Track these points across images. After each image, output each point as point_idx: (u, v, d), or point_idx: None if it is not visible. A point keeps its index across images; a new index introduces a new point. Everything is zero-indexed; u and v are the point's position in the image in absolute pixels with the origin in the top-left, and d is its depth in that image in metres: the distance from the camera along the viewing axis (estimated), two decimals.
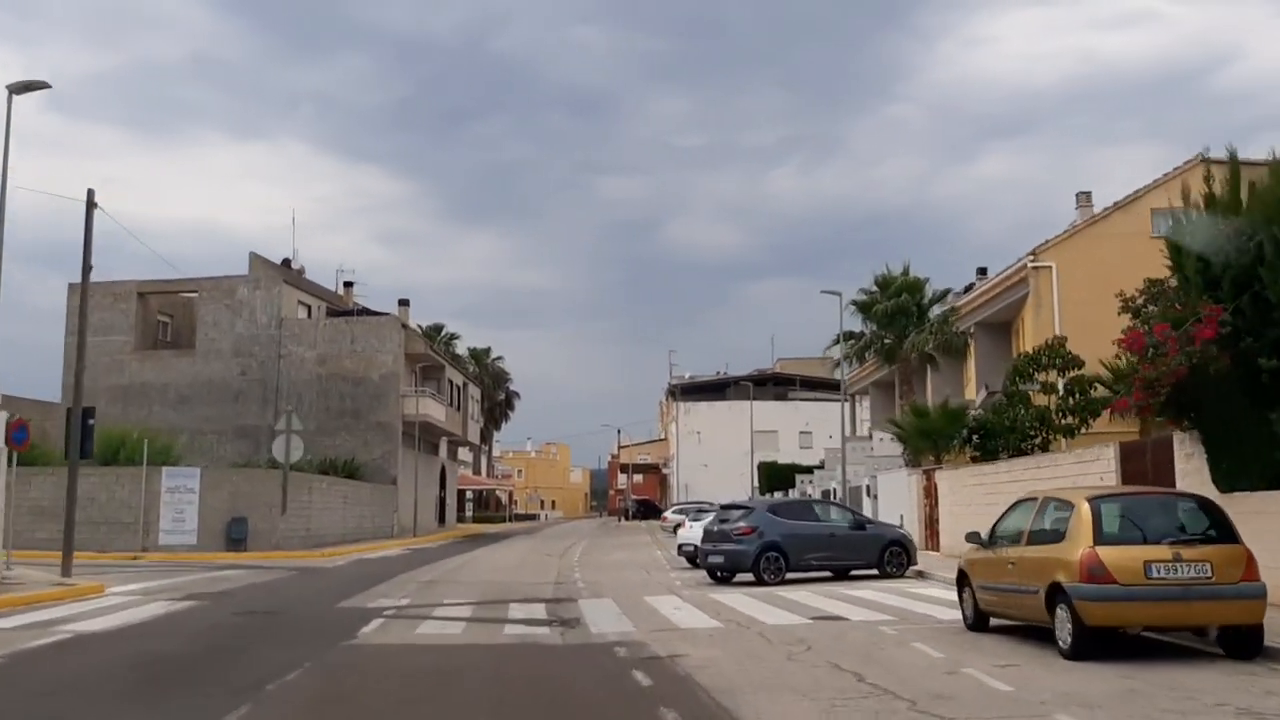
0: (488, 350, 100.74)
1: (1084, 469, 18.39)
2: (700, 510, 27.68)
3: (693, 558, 25.16)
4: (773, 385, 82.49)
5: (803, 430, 76.85)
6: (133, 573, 23.70)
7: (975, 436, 30.05)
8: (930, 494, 28.62)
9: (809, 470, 55.26)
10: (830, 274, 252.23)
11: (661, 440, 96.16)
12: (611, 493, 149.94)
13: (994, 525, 11.48)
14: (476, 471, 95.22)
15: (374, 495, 45.58)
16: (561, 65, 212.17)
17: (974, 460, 29.91)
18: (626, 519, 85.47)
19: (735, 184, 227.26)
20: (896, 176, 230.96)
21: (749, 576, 19.96)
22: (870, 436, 51.32)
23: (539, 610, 15.95)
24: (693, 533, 25.10)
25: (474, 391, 65.90)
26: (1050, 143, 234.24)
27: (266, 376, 50.00)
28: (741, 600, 16.65)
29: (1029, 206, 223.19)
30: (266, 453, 47.36)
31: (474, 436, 66.31)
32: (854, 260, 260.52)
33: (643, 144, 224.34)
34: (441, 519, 60.30)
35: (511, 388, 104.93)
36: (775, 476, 59.75)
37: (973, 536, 11.60)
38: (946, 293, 34.01)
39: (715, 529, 20.17)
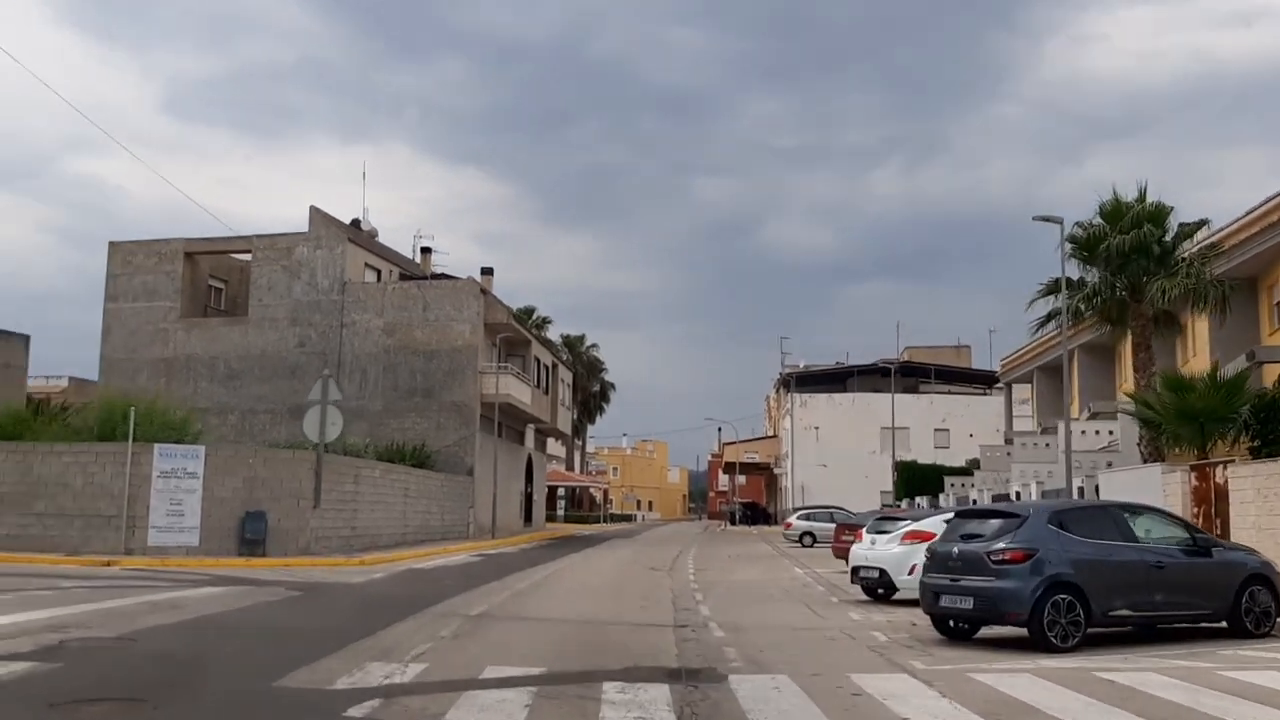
0: (581, 338, 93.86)
1: None
2: (890, 519, 19.24)
3: (874, 588, 16.97)
4: (901, 376, 73.42)
5: (938, 428, 67.69)
6: (85, 587, 16.45)
7: (1257, 420, 21.28)
8: (1204, 500, 19.90)
9: (964, 472, 46.35)
10: (934, 278, 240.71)
11: (771, 438, 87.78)
12: (712, 495, 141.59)
13: None
14: (569, 467, 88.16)
15: (446, 488, 38.28)
16: (657, 67, 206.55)
17: (1252, 454, 21.16)
18: (732, 524, 77.32)
19: (833, 185, 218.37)
20: (1002, 178, 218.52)
21: (1000, 630, 11.80)
22: (1040, 430, 42.36)
23: (659, 705, 8.03)
24: (878, 551, 16.87)
25: (564, 375, 58.41)
26: (1160, 144, 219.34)
27: (327, 348, 43.17)
28: (1069, 701, 8.45)
29: None
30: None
31: (565, 425, 58.86)
32: (958, 264, 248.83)
33: (737, 145, 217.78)
34: (528, 517, 52.94)
35: (607, 378, 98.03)
36: (917, 479, 50.94)
37: None
38: (1201, 224, 25.02)
39: (954, 551, 11.87)
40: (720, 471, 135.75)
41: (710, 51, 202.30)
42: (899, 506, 50.65)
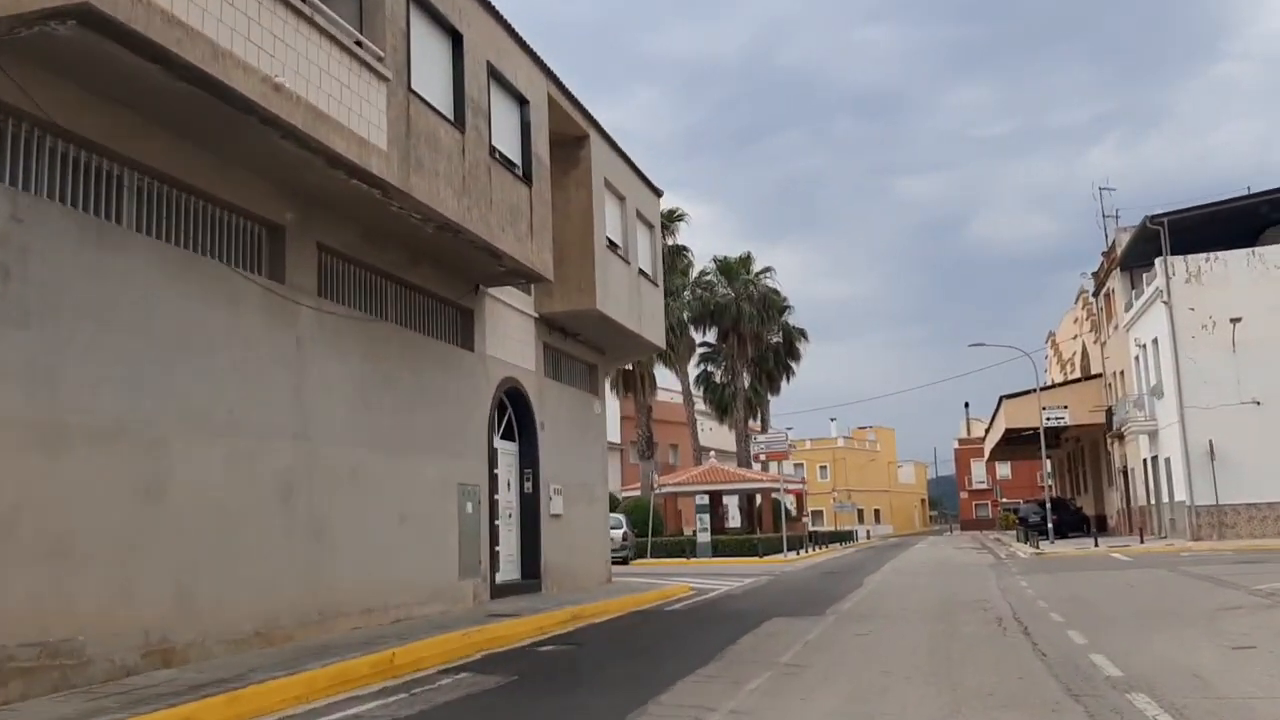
0: (746, 259, 59.65)
1: None
2: None
3: None
4: None
5: None
6: None
7: None
8: None
9: None
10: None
11: (1087, 380, 49.60)
12: (963, 496, 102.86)
13: None
14: (743, 463, 53.18)
15: None
16: (850, 70, 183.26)
17: None
18: (1040, 535, 40.05)
19: (1045, 170, 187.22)
20: (1233, 142, 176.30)
21: None
22: None
23: None
24: None
25: (630, 188, 23.08)
26: None
27: None
28: None
29: None
30: None
31: (654, 336, 23.43)
32: None
33: (940, 139, 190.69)
34: (528, 568, 18.58)
35: (793, 323, 63.13)
36: None
37: None
38: None
39: None
40: (970, 462, 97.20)
41: (902, 47, 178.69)
42: None
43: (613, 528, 36.89)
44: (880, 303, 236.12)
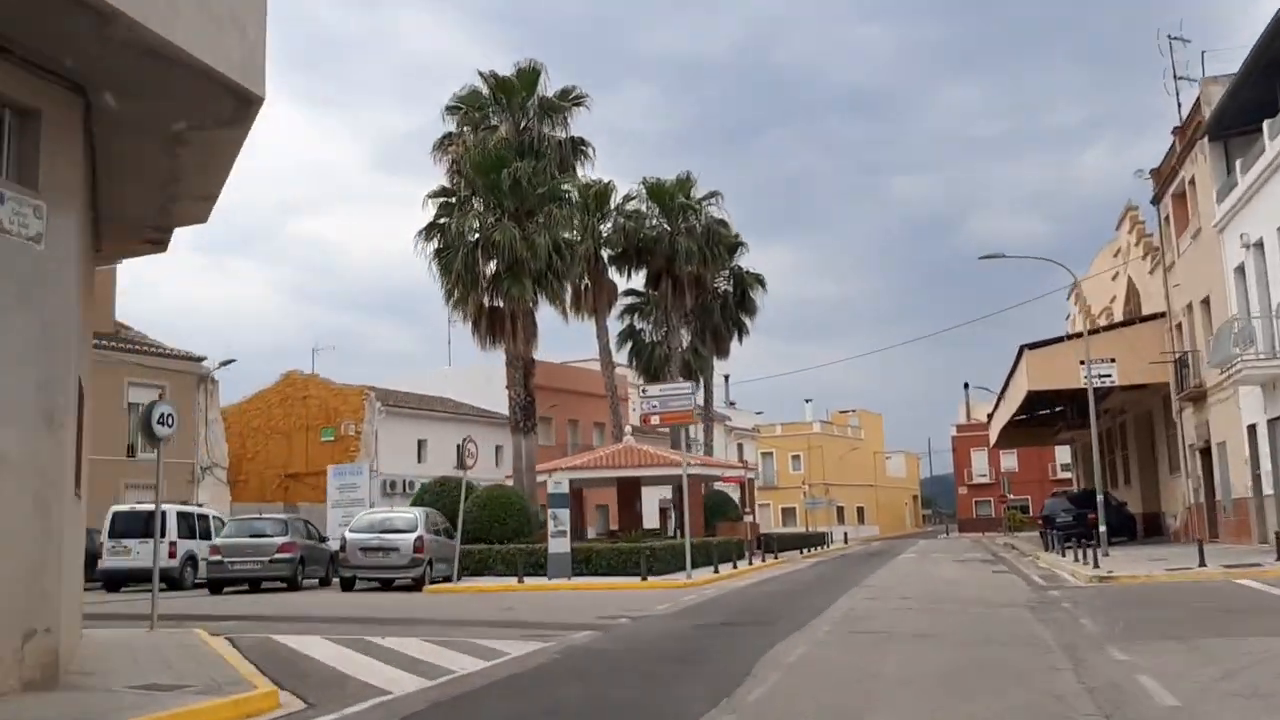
0: (685, 183, 46.12)
1: None
2: None
3: None
4: None
5: None
6: None
7: None
8: None
9: None
10: None
11: (1137, 323, 35.54)
12: (962, 491, 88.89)
13: None
14: (679, 444, 39.27)
15: None
16: (844, 69, 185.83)
17: None
18: (1068, 541, 26.05)
19: (1039, 171, 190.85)
20: None
21: None
22: None
23: None
24: None
25: None
26: None
27: None
28: None
29: None
30: None
31: (195, 44, 9.81)
32: None
33: (934, 139, 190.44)
34: None
35: (746, 267, 50.31)
36: None
37: None
38: None
39: None
40: (970, 451, 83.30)
41: (897, 46, 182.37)
42: None
43: (402, 530, 23.02)
44: (870, 303, 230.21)
